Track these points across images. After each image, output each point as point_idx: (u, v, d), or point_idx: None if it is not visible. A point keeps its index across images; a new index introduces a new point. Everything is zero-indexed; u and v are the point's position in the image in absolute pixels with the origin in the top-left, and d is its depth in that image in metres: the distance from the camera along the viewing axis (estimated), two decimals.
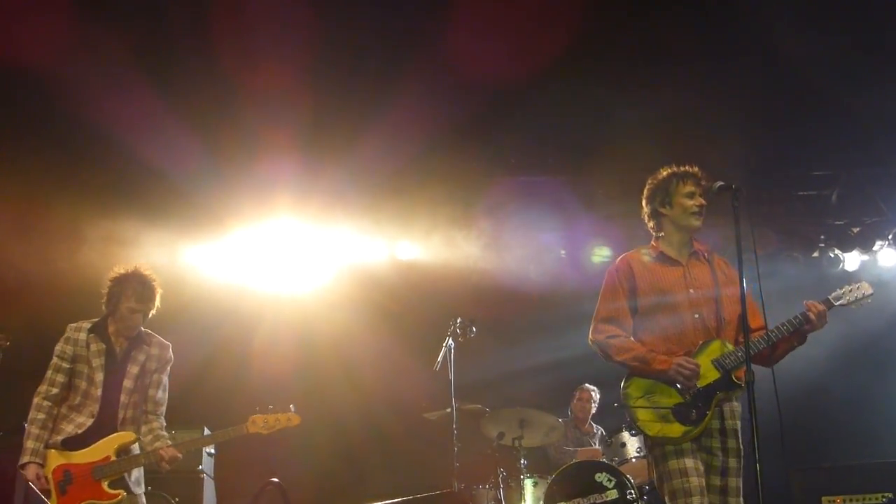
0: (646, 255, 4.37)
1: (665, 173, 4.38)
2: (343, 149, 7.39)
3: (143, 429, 4.90)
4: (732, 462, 4.08)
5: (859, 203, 8.30)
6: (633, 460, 6.85)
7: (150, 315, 5.03)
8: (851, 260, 8.56)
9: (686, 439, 4.02)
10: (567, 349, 7.95)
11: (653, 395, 4.13)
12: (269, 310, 8.57)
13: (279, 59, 6.42)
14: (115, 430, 4.79)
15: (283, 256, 8.39)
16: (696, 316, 4.18)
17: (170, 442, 4.88)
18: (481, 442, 7.08)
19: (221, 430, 4.99)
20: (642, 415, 4.12)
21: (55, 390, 4.83)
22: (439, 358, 6.68)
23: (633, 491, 6.32)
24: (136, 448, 4.86)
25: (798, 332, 4.11)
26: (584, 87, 6.80)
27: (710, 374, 4.08)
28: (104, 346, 4.90)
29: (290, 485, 6.39)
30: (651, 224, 4.42)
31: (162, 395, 5.02)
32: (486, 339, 7.05)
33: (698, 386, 4.06)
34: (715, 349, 4.12)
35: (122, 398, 4.85)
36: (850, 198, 8.25)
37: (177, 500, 6.57)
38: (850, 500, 7.02)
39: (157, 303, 5.02)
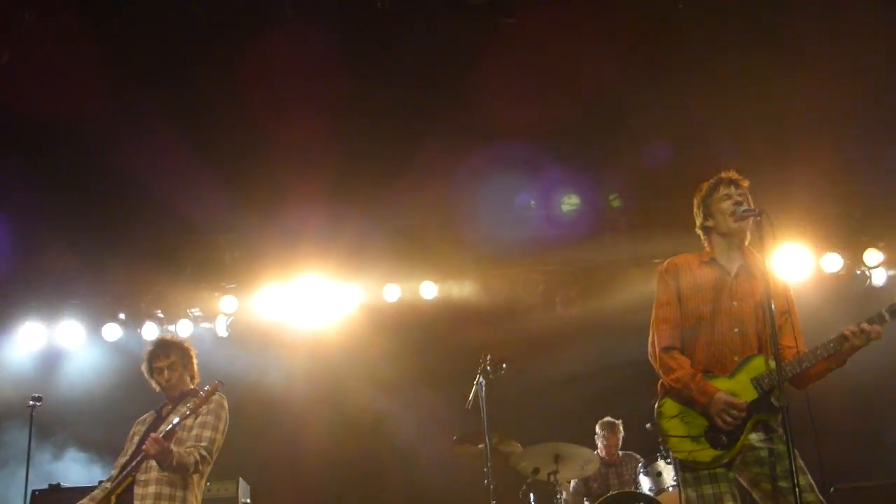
0: (694, 259, 4.21)
1: (705, 186, 4.21)
2: (369, 196, 7.48)
3: None
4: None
5: (882, 217, 8.26)
6: (670, 489, 6.75)
7: (177, 371, 4.90)
8: (878, 275, 8.51)
9: (717, 464, 3.87)
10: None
11: (686, 416, 3.96)
12: (297, 356, 8.60)
13: (307, 111, 6.53)
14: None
15: (311, 302, 8.44)
16: (736, 330, 3.99)
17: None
18: (516, 478, 7.02)
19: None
20: (674, 436, 3.97)
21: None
22: (471, 396, 6.65)
23: None
24: None
25: (836, 355, 3.88)
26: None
27: (747, 394, 3.88)
28: (155, 414, 4.92)
29: None
30: (704, 239, 4.25)
31: (206, 433, 4.72)
32: (517, 374, 6.99)
33: None
34: (757, 366, 3.91)
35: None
36: (874, 213, 8.21)
37: None
38: None
39: (178, 358, 4.92)
